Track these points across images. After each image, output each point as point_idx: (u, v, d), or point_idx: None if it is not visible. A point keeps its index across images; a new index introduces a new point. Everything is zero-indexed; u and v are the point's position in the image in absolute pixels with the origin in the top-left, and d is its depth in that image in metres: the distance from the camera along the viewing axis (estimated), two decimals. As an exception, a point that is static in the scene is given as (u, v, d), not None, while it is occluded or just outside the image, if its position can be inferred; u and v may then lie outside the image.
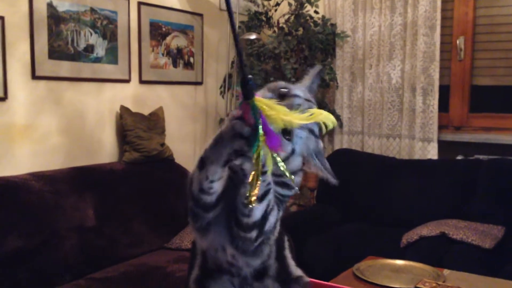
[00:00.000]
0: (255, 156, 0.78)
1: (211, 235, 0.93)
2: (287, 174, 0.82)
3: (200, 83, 3.67)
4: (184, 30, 3.48)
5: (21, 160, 2.55)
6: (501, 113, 3.29)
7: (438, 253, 2.50)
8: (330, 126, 0.86)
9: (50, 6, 2.62)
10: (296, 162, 0.90)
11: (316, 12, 3.59)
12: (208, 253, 0.98)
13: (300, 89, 0.92)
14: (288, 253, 1.06)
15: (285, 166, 0.82)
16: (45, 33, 2.60)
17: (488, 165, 3.00)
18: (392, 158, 3.38)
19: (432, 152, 3.29)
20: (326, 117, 0.85)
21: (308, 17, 3.55)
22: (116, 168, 2.84)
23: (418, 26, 3.29)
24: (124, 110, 2.97)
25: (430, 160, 3.24)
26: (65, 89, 2.75)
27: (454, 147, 3.31)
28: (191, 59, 3.57)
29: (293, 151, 0.88)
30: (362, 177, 3.33)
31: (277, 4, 3.68)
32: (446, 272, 2.23)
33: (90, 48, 2.84)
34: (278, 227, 0.97)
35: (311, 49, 3.58)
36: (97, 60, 2.89)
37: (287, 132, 0.85)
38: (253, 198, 0.79)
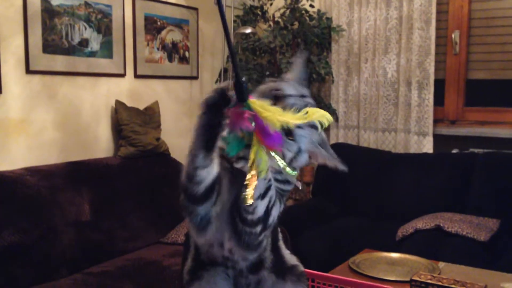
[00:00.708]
0: (251, 157, 0.78)
1: (209, 232, 0.92)
2: (289, 171, 0.83)
3: (195, 78, 3.66)
4: (179, 24, 3.47)
5: (16, 155, 2.54)
6: (496, 107, 3.30)
7: (434, 246, 2.51)
8: (326, 124, 0.87)
9: (44, 0, 2.60)
10: (303, 158, 0.91)
11: (311, 6, 3.58)
12: (202, 248, 0.98)
13: (291, 86, 0.92)
14: (282, 244, 1.07)
15: (285, 164, 0.83)
16: (39, 27, 2.59)
17: (483, 159, 3.02)
18: (387, 152, 3.39)
19: (427, 146, 3.30)
20: (321, 116, 0.86)
21: (303, 11, 3.54)
22: (111, 163, 2.83)
23: (413, 20, 3.29)
24: (119, 104, 2.96)
25: (425, 154, 3.25)
26: (59, 83, 2.73)
27: (449, 141, 3.32)
28: (186, 54, 3.56)
29: (299, 150, 0.88)
30: (358, 171, 3.34)
31: (273, -2, 3.68)
32: (441, 264, 2.24)
33: (84, 42, 2.83)
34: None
35: (306, 43, 3.57)
36: (92, 54, 2.87)
37: (289, 133, 0.86)
38: (250, 199, 0.80)
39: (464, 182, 2.98)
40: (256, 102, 0.80)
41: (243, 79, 0.78)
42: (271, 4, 3.73)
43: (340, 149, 3.52)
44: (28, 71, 2.57)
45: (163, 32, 3.36)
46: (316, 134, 0.90)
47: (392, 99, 3.47)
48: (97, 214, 2.57)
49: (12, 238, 2.17)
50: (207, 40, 3.74)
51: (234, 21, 3.65)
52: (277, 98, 0.89)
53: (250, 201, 0.81)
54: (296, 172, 0.91)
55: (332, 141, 3.70)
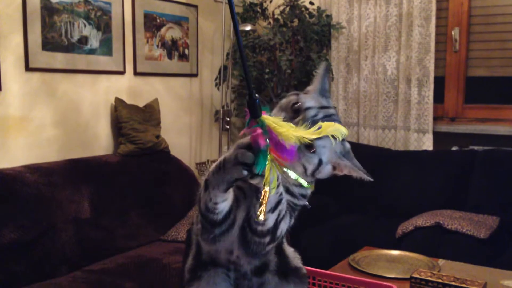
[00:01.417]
0: (265, 174, 0.78)
1: (220, 243, 0.93)
2: (303, 183, 0.85)
3: (195, 75, 3.65)
4: (178, 21, 3.47)
5: (15, 152, 2.54)
6: (496, 104, 3.30)
7: (433, 243, 2.52)
8: (340, 138, 0.86)
9: (43, -3, 2.60)
10: (326, 170, 0.91)
11: (311, 3, 3.57)
12: (208, 251, 0.98)
13: (311, 98, 0.91)
14: (286, 246, 1.06)
15: (297, 176, 0.84)
16: (38, 25, 2.58)
17: (483, 156, 3.02)
18: (387, 150, 3.39)
19: (427, 143, 3.30)
20: (335, 130, 0.85)
21: (303, 9, 3.53)
22: (111, 161, 2.83)
23: (413, 17, 3.29)
24: (119, 102, 2.96)
25: (425, 151, 3.25)
26: (59, 81, 2.73)
27: (449, 138, 3.32)
28: (186, 51, 3.55)
29: (320, 162, 0.88)
30: (358, 168, 3.33)
31: (272, -5, 3.67)
32: (441, 262, 2.24)
33: (84, 40, 2.82)
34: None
35: (306, 41, 3.57)
36: (91, 51, 2.87)
37: (310, 146, 0.86)
38: (262, 216, 0.80)
39: (464, 180, 2.98)
40: (270, 118, 0.80)
41: (256, 95, 0.78)
42: (270, 1, 3.72)
43: (340, 146, 3.52)
44: (28, 68, 2.56)
45: (163, 30, 3.35)
46: (338, 145, 0.90)
47: (392, 97, 3.47)
48: (97, 212, 2.57)
49: (12, 235, 2.17)
50: (207, 37, 3.73)
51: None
52: (297, 111, 0.89)
53: (262, 217, 0.81)
54: (311, 185, 0.92)
55: (332, 139, 3.70)
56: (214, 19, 3.73)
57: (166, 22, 3.37)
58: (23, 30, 2.53)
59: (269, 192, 0.79)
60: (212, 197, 0.84)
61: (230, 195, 0.87)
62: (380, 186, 3.22)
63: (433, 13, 3.22)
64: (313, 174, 0.89)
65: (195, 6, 3.58)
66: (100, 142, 2.97)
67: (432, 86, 3.28)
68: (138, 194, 2.82)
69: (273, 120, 0.79)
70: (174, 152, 3.24)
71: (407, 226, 2.68)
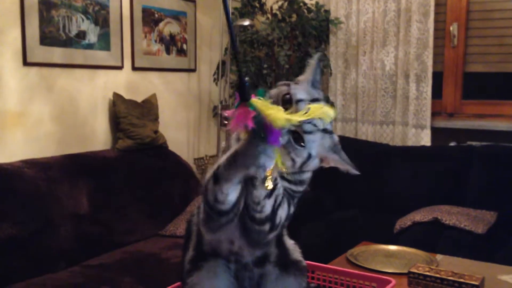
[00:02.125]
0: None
1: (221, 232, 0.94)
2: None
3: (193, 70, 3.65)
4: (177, 16, 3.46)
5: (13, 147, 2.53)
6: (494, 99, 3.30)
7: (431, 239, 2.52)
8: (328, 120, 0.86)
9: (41, -9, 2.58)
10: (314, 163, 0.91)
11: (309, -2, 3.57)
12: (210, 242, 0.98)
13: (303, 90, 0.91)
14: (287, 238, 1.07)
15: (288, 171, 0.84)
16: (36, 19, 2.57)
17: (480, 152, 3.02)
18: (385, 145, 3.39)
19: (425, 139, 3.30)
20: (323, 113, 0.85)
21: (301, 4, 3.53)
22: (109, 156, 2.83)
23: (411, 13, 3.28)
24: (117, 97, 2.95)
25: (423, 147, 3.26)
26: (57, 75, 2.72)
27: (447, 134, 3.33)
28: (184, 46, 3.54)
29: (309, 156, 0.88)
30: (356, 164, 3.30)
31: (271, -10, 3.66)
32: (439, 257, 2.25)
33: (82, 34, 2.81)
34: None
35: (304, 36, 3.56)
36: (89, 46, 2.86)
37: (299, 140, 0.86)
38: (259, 200, 0.83)
39: (462, 175, 2.98)
40: (258, 101, 0.80)
41: (246, 78, 0.78)
42: (269, -4, 3.71)
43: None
44: (25, 63, 2.55)
45: (161, 24, 3.34)
46: (327, 139, 0.89)
47: (390, 92, 3.47)
48: (95, 207, 2.57)
49: (10, 230, 2.17)
50: (205, 32, 3.72)
51: (232, 13, 3.64)
52: (287, 102, 0.88)
53: (258, 201, 0.82)
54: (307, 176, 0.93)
55: (330, 134, 3.70)
56: (212, 14, 3.72)
57: (164, 17, 3.36)
58: (21, 25, 2.52)
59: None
60: (224, 190, 0.84)
61: (239, 186, 0.86)
62: (378, 181, 3.22)
63: (432, 8, 3.22)
64: (301, 167, 0.89)
65: (193, 1, 3.57)
66: (98, 137, 2.97)
67: (430, 81, 3.28)
68: (136, 189, 2.82)
69: (261, 103, 0.79)
70: (172, 147, 3.23)
71: (405, 221, 2.68)
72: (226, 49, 3.60)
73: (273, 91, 0.91)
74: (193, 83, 3.65)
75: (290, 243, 1.07)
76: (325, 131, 0.88)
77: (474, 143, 3.16)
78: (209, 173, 0.87)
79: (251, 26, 3.55)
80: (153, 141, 3.04)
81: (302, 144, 0.86)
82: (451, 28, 3.32)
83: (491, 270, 2.08)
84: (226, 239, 0.95)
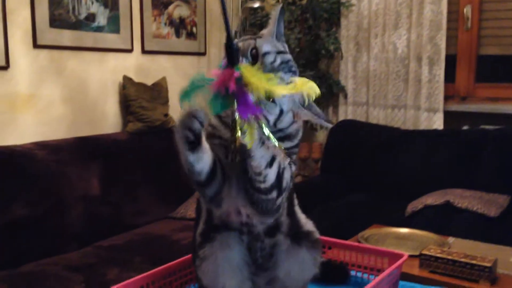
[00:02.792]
0: (236, 123, 0.78)
1: (224, 204, 0.93)
2: (272, 139, 0.82)
3: (203, 54, 3.63)
4: (186, -1, 3.43)
5: (24, 129, 2.54)
6: (507, 82, 3.25)
7: (443, 222, 2.50)
8: (313, 97, 0.85)
9: (50, -27, 2.57)
10: (287, 118, 0.90)
11: (320, -20, 3.52)
12: (219, 216, 0.97)
13: (268, 42, 0.90)
14: (298, 209, 1.06)
15: (269, 133, 0.81)
16: (45, 1, 2.56)
17: (494, 135, 2.98)
18: (397, 129, 3.36)
19: (437, 123, 3.27)
20: (309, 88, 0.84)
21: (312, -14, 3.48)
22: (120, 138, 2.83)
23: (425, -6, 3.23)
24: (127, 80, 2.94)
25: (435, 131, 3.22)
26: (67, 58, 2.72)
27: (460, 118, 3.29)
28: (194, 29, 3.52)
29: (281, 111, 0.87)
30: (367, 147, 3.32)
31: (281, -27, 3.61)
32: (451, 240, 2.24)
33: (91, 17, 2.80)
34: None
35: (315, 19, 3.52)
36: (99, 29, 2.85)
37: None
38: (258, 168, 0.81)
39: (475, 159, 2.95)
40: (247, 67, 0.79)
41: (235, 42, 0.77)
42: (279, -21, 3.67)
43: (349, 126, 3.50)
44: (36, 45, 2.55)
45: (170, 7, 3.32)
46: (297, 94, 0.88)
47: (402, 75, 3.43)
48: (105, 189, 2.58)
49: (22, 211, 2.19)
50: (215, 15, 3.70)
51: (242, -4, 3.60)
52: (256, 57, 0.87)
53: (260, 171, 0.81)
54: (293, 131, 0.91)
55: (341, 118, 3.67)
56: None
57: (174, -1, 3.33)
58: (30, 7, 2.51)
59: (247, 144, 0.78)
60: (184, 159, 0.85)
61: (204, 155, 0.86)
62: (389, 165, 3.20)
63: (445, -11, 3.17)
64: (275, 124, 0.88)
65: (203, -16, 3.54)
66: (108, 120, 2.97)
67: (443, 64, 3.23)
68: (147, 172, 2.82)
69: (249, 69, 0.79)
70: (182, 130, 3.22)
71: (417, 204, 2.66)
72: (236, 32, 3.58)
73: (242, 45, 0.89)
74: (203, 66, 3.64)
75: (302, 216, 1.06)
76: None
77: (487, 127, 3.12)
78: None
79: (261, 8, 3.52)
80: (163, 124, 3.03)
81: (273, 100, 0.85)
82: (464, 10, 3.27)
83: (504, 252, 2.06)
84: (234, 210, 0.94)
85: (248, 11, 3.55)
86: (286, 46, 0.93)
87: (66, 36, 2.68)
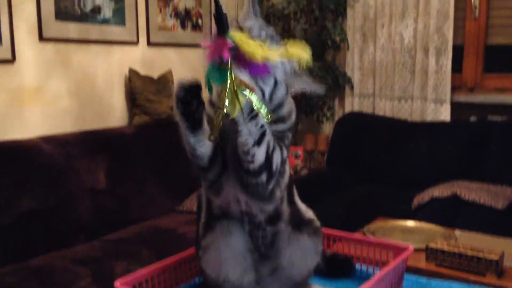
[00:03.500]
0: (222, 94, 0.78)
1: (224, 192, 0.93)
2: (264, 112, 0.81)
3: (209, 46, 3.61)
4: (192, -10, 3.41)
5: (31, 123, 2.55)
6: (516, 73, 3.22)
7: (450, 214, 2.50)
8: (304, 64, 0.86)
9: (55, -34, 2.56)
10: (281, 91, 0.90)
11: (327, -30, 3.49)
12: (219, 207, 0.97)
13: (249, 20, 0.91)
14: (297, 199, 1.06)
15: (260, 104, 0.81)
16: (51, -6, 2.56)
17: (501, 127, 2.97)
18: (404, 121, 3.35)
19: (444, 114, 3.25)
20: (301, 51, 0.86)
21: (318, -24, 3.46)
22: (126, 132, 2.83)
23: (432, -16, 3.20)
24: (132, 73, 2.94)
25: (442, 122, 3.20)
26: (73, 51, 2.72)
27: (467, 109, 3.26)
28: (200, 21, 3.51)
29: (276, 82, 0.88)
30: (373, 139, 3.31)
31: (287, -37, 3.58)
32: (457, 232, 2.23)
33: (97, 9, 2.79)
34: (287, 170, 0.97)
35: (321, 10, 3.50)
36: (105, 21, 2.84)
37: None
38: (214, 135, 0.81)
39: (482, 150, 2.93)
40: (237, 34, 0.80)
41: (224, 11, 0.78)
42: (285, -31, 3.64)
43: (355, 118, 3.49)
44: (41, 38, 2.55)
45: (176, -1, 3.31)
46: (287, 63, 0.89)
47: (409, 66, 3.40)
48: (112, 182, 2.58)
49: (30, 205, 2.20)
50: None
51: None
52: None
53: (212, 138, 0.82)
54: (270, 115, 0.89)
55: (347, 110, 3.66)
56: None
57: (179, -9, 3.32)
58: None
59: (228, 116, 0.79)
60: (187, 140, 0.88)
61: (206, 139, 0.88)
62: (396, 157, 3.19)
63: (453, -21, 3.13)
64: (271, 97, 0.89)
65: (208, -25, 3.52)
66: (114, 113, 2.97)
67: (450, 55, 3.20)
68: (153, 165, 2.82)
69: (240, 36, 0.80)
70: (188, 123, 3.23)
71: (424, 197, 2.66)
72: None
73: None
74: (209, 58, 3.62)
75: (302, 206, 1.06)
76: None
77: (495, 118, 3.10)
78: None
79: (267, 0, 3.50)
80: (169, 117, 3.03)
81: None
82: None
83: (511, 245, 2.05)
84: (233, 198, 0.94)
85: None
86: (265, 25, 0.94)
87: (72, 29, 2.68)
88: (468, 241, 2.09)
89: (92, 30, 2.78)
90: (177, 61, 3.35)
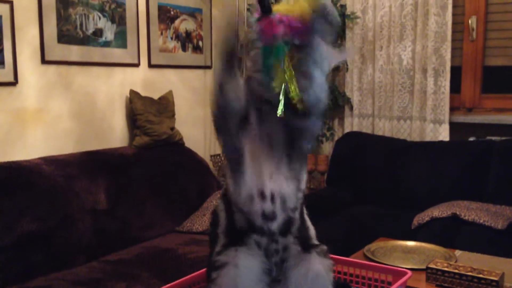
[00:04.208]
0: (284, 66, 0.81)
1: (247, 174, 0.93)
2: (295, 94, 0.84)
3: (209, 67, 3.65)
4: (192, 13, 3.47)
5: (32, 144, 2.57)
6: (513, 93, 3.25)
7: (450, 234, 2.50)
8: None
9: (58, -10, 2.61)
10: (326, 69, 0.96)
11: (325, -7, 3.54)
12: (241, 209, 0.97)
13: None
14: (307, 217, 1.06)
15: (294, 86, 0.84)
16: (53, 17, 2.60)
17: (500, 147, 2.97)
18: (403, 141, 3.36)
19: (443, 134, 3.26)
20: None
21: (317, -1, 3.50)
22: (126, 152, 2.85)
23: (429, 6, 3.24)
24: (133, 94, 2.97)
25: (441, 142, 3.22)
26: (75, 73, 2.75)
27: (466, 129, 3.28)
28: (200, 43, 3.55)
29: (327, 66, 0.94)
30: (373, 159, 3.32)
31: (286, -14, 3.64)
32: (457, 253, 2.23)
33: (99, 32, 2.84)
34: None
35: (320, 31, 3.54)
36: (106, 44, 2.88)
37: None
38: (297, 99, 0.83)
39: (481, 170, 2.94)
40: (281, 6, 0.83)
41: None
42: (284, -8, 3.70)
43: (355, 137, 3.50)
44: (44, 61, 2.59)
45: (177, 22, 3.36)
46: (329, 32, 0.92)
47: (408, 87, 3.43)
48: (113, 203, 2.59)
49: (30, 226, 2.20)
50: (221, 29, 3.72)
51: (248, 9, 3.63)
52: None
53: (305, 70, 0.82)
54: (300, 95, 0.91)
55: (347, 130, 3.68)
56: (228, 10, 3.72)
57: (180, 14, 3.37)
58: (39, 23, 2.55)
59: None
60: (221, 83, 0.88)
61: (239, 88, 0.89)
62: (396, 177, 3.20)
63: (450, 1, 3.17)
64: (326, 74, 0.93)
65: (209, -2, 3.57)
66: (115, 134, 3.00)
67: (448, 76, 3.23)
68: (154, 186, 2.83)
69: (285, 6, 0.83)
70: (188, 144, 3.25)
71: (423, 217, 2.66)
72: (241, 46, 3.60)
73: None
74: (209, 79, 3.66)
75: (311, 226, 1.07)
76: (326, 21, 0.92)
77: (493, 138, 3.12)
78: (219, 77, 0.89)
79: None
80: (170, 137, 3.05)
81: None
82: (469, 21, 3.28)
83: (511, 265, 2.05)
84: (256, 190, 0.94)
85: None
86: None
87: (74, 52, 2.72)
88: (468, 261, 2.09)
89: (94, 53, 2.82)
90: (178, 82, 3.38)
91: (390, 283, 1.16)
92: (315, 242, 1.06)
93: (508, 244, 2.38)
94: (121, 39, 2.96)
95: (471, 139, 3.22)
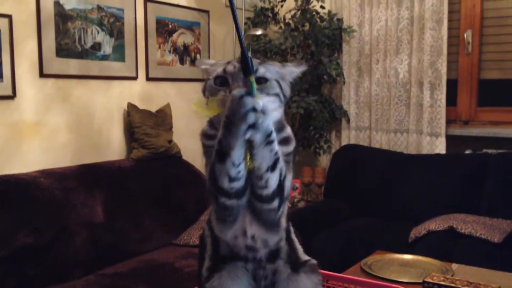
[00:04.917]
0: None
1: (236, 225, 0.94)
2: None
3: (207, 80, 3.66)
4: (190, 27, 3.49)
5: (30, 157, 2.57)
6: (509, 106, 3.27)
7: (447, 248, 2.50)
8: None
9: (57, 4, 2.63)
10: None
11: (322, 7, 3.58)
12: (226, 243, 0.98)
13: (268, 70, 0.99)
14: (294, 237, 1.07)
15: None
16: (52, 31, 2.62)
17: (496, 159, 2.99)
18: (399, 153, 3.37)
19: (440, 147, 3.28)
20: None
21: (314, 13, 3.54)
22: (124, 165, 2.85)
23: (425, 20, 3.28)
24: (131, 107, 2.98)
25: (438, 155, 3.23)
26: (73, 87, 2.76)
27: (462, 142, 3.30)
28: (198, 56, 3.57)
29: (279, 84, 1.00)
30: (370, 172, 3.33)
31: (283, 0, 3.68)
32: (454, 266, 2.23)
33: (97, 46, 2.85)
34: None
35: (317, 45, 3.57)
36: (105, 57, 2.90)
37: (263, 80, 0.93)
38: (248, 166, 0.83)
39: (478, 183, 2.95)
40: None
41: (249, 54, 0.84)
42: (282, 6, 3.73)
43: (352, 150, 3.52)
44: (42, 75, 2.60)
45: (175, 35, 3.38)
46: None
47: (404, 100, 3.46)
48: (110, 216, 2.59)
49: (27, 239, 2.20)
50: (218, 42, 3.75)
51: (245, 23, 3.67)
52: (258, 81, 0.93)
53: (261, 175, 0.83)
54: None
55: (344, 143, 3.69)
56: (226, 24, 3.75)
57: (178, 27, 3.40)
58: (37, 37, 2.56)
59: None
60: (234, 160, 0.83)
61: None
62: (392, 190, 3.21)
63: (445, 15, 3.21)
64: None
65: (207, 12, 3.60)
66: (113, 147, 3.00)
67: (444, 89, 3.26)
68: (151, 199, 2.84)
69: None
70: (186, 156, 3.25)
71: (420, 230, 2.66)
72: (241, 53, 3.62)
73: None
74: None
75: (299, 247, 1.07)
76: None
77: (490, 151, 3.13)
78: (211, 160, 0.87)
79: (264, 35, 3.57)
80: (167, 150, 3.06)
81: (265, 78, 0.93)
82: (465, 35, 3.31)
83: (508, 279, 2.05)
84: (240, 230, 0.94)
85: (251, 38, 3.60)
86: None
87: (72, 65, 2.73)
88: (465, 274, 2.09)
89: (92, 66, 2.84)
90: (175, 95, 3.40)
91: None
92: (304, 258, 1.06)
93: (505, 257, 2.39)
94: (119, 53, 2.98)
95: (468, 152, 3.24)
